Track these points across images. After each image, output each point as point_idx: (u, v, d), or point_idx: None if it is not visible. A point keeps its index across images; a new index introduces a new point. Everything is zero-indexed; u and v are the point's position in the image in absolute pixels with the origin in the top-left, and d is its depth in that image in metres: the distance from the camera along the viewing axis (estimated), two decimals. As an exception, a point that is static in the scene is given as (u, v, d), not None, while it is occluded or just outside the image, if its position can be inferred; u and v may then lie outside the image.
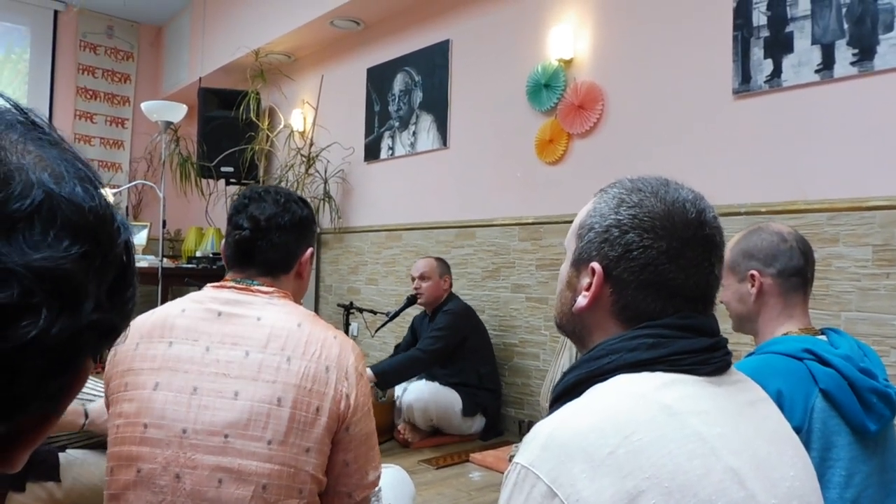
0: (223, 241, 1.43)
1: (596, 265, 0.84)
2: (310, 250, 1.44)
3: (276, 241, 1.37)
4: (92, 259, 0.41)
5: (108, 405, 1.29)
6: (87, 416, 1.69)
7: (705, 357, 0.80)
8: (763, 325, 1.49)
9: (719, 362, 0.82)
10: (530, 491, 0.69)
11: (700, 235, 0.83)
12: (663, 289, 0.82)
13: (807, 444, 1.25)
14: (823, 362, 1.30)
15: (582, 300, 0.86)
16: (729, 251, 1.52)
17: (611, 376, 0.78)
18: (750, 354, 1.43)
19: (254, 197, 1.39)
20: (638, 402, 0.74)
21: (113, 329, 0.44)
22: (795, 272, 1.46)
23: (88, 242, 0.41)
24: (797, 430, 1.24)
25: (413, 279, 3.73)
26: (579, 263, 0.88)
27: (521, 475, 0.71)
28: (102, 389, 1.34)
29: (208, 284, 1.36)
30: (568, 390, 0.82)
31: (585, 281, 0.86)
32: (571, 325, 0.91)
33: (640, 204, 0.84)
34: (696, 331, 0.81)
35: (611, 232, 0.84)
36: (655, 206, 0.83)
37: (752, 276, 1.47)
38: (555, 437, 0.72)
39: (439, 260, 3.79)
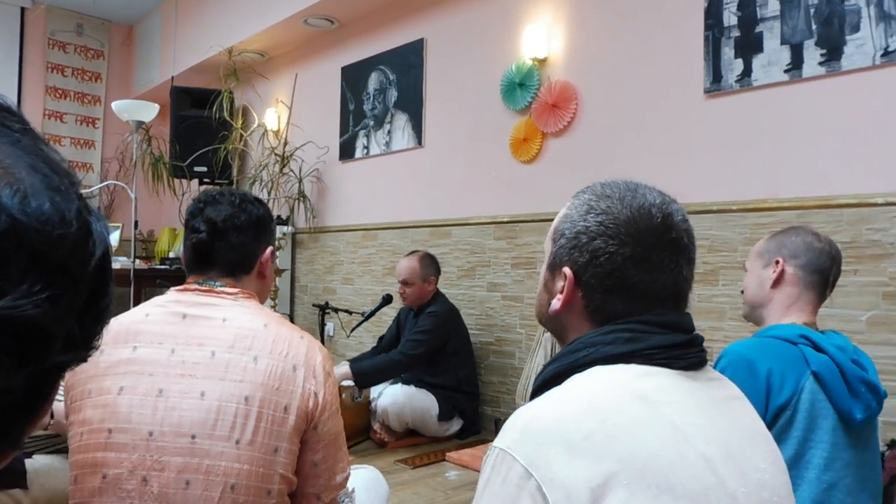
0: (182, 246, 1.42)
1: (567, 270, 0.89)
2: (269, 249, 1.44)
3: (234, 242, 1.36)
4: (62, 298, 0.35)
5: (68, 413, 1.26)
6: (52, 416, 1.66)
7: (680, 352, 0.83)
8: (771, 311, 1.56)
9: (694, 358, 0.84)
10: (507, 472, 0.72)
11: (666, 239, 0.86)
12: (629, 292, 0.86)
13: (791, 421, 1.31)
14: (817, 348, 1.37)
15: (556, 303, 0.90)
16: (764, 242, 1.64)
17: (588, 368, 0.82)
18: None
19: (209, 200, 1.39)
20: (614, 390, 0.77)
21: (83, 360, 0.39)
22: (818, 270, 1.54)
23: (59, 279, 0.34)
24: (784, 406, 1.30)
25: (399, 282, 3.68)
26: (554, 268, 0.92)
27: (498, 458, 0.74)
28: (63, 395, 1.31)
29: (172, 288, 1.34)
30: (548, 381, 0.86)
31: (559, 285, 0.90)
32: (550, 324, 0.95)
33: (608, 211, 0.87)
34: (670, 327, 0.85)
35: (579, 238, 0.88)
36: (621, 212, 0.86)
37: (777, 261, 1.56)
38: (533, 422, 0.74)
39: (422, 260, 3.63)
